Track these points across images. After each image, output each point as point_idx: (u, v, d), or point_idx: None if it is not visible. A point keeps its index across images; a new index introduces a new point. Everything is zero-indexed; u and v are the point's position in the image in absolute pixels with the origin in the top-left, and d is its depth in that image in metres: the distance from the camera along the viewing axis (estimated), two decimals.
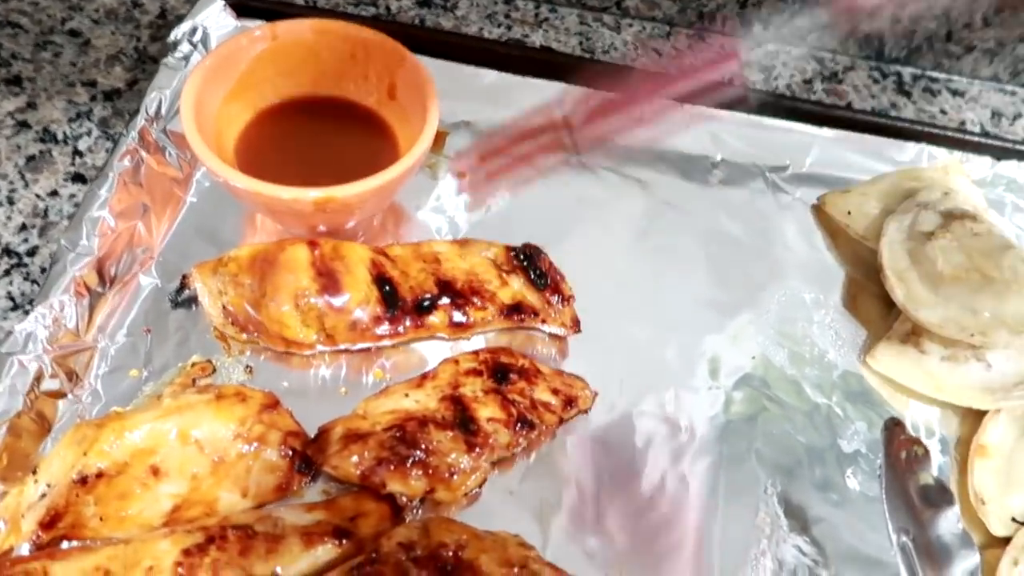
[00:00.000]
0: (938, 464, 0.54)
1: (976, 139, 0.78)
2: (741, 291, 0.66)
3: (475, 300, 0.58)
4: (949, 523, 0.46)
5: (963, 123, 0.83)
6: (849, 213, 0.71)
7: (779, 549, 0.54)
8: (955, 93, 0.85)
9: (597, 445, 0.57)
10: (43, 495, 0.46)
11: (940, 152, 0.75)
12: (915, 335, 0.62)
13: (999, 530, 0.54)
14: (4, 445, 0.49)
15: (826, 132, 0.75)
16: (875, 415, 0.60)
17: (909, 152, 0.76)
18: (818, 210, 0.72)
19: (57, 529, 0.46)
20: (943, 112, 0.84)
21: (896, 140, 0.76)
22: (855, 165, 0.75)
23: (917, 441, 0.50)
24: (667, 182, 0.72)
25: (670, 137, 0.74)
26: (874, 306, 0.67)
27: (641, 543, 0.53)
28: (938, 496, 0.47)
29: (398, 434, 0.51)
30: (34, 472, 0.47)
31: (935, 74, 0.86)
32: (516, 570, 0.48)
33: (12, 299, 0.59)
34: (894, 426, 0.51)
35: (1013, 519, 0.54)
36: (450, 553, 0.47)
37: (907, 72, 0.86)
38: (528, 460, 0.55)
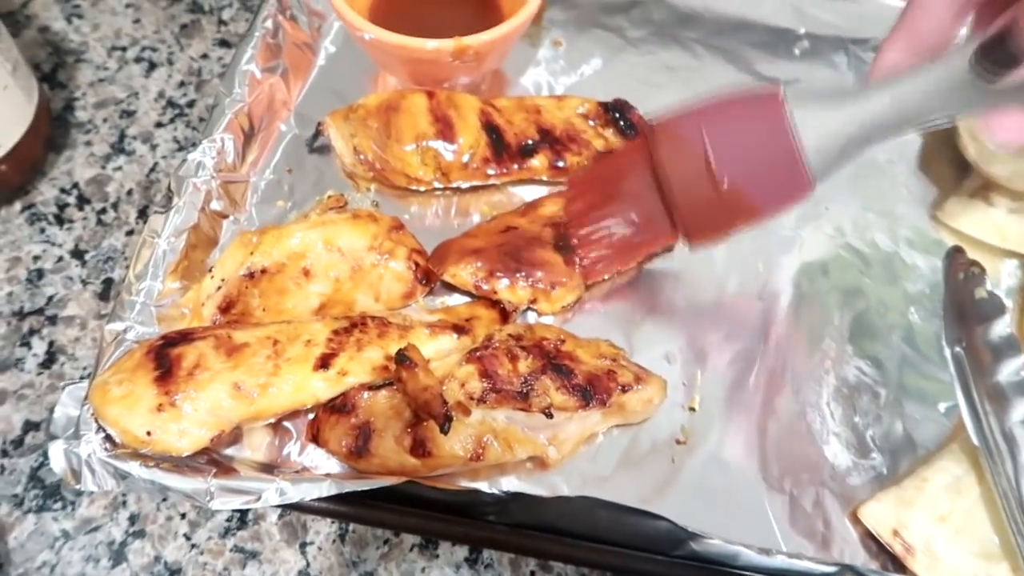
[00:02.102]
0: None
1: None
2: None
3: (572, 146, 0.65)
4: (999, 329, 0.51)
5: None
6: None
7: (842, 369, 0.60)
8: None
9: (680, 277, 0.64)
10: (219, 287, 0.57)
11: None
12: (984, 190, 0.66)
13: None
14: (185, 252, 0.59)
15: None
16: (939, 262, 0.64)
17: None
18: None
19: (231, 315, 0.56)
20: None
21: None
22: None
23: (975, 263, 0.55)
24: (752, 54, 0.77)
25: (756, 10, 0.79)
26: (946, 169, 0.71)
27: (715, 355, 0.60)
28: (990, 308, 0.52)
29: (507, 250, 0.59)
30: (210, 271, 0.58)
31: None
32: (608, 362, 0.56)
33: (177, 142, 0.69)
34: (955, 252, 0.56)
35: None
36: (552, 345, 0.56)
37: None
38: (617, 285, 0.63)
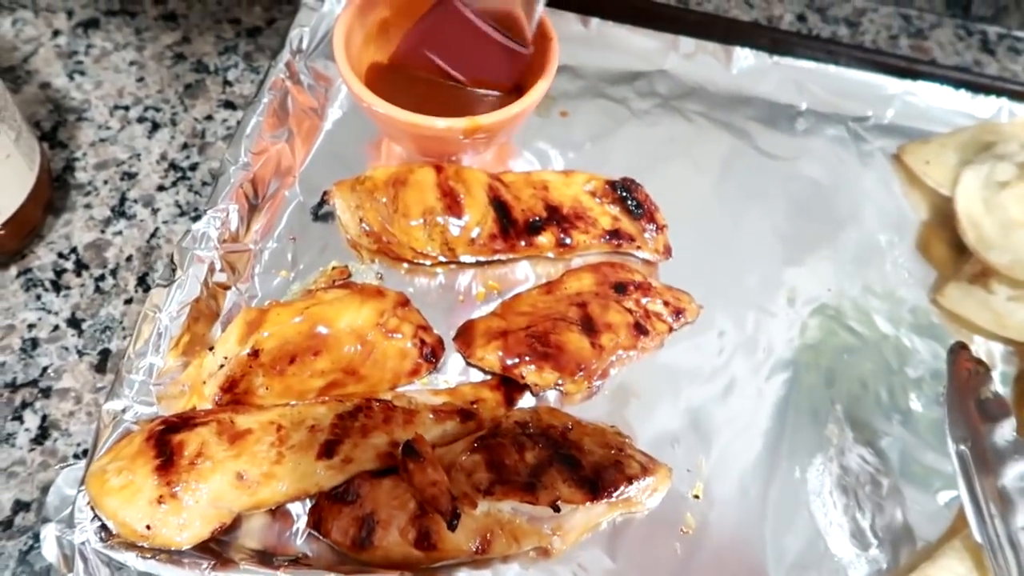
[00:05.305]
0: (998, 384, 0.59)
1: None
2: (820, 229, 0.72)
3: (579, 224, 0.65)
4: (1004, 432, 0.52)
5: None
6: (927, 163, 0.75)
7: (844, 457, 0.60)
8: None
9: (683, 358, 0.63)
10: (221, 365, 0.55)
11: (1020, 109, 0.79)
12: (984, 276, 0.67)
13: None
14: (187, 326, 0.57)
15: (908, 85, 0.79)
16: (940, 347, 0.65)
17: (989, 108, 0.79)
18: (897, 159, 0.77)
19: (233, 394, 0.55)
20: None
21: (977, 96, 0.79)
22: (935, 118, 0.79)
23: (980, 361, 0.55)
24: (753, 127, 0.78)
25: (758, 86, 0.79)
26: (945, 251, 0.72)
27: (719, 440, 0.60)
28: (996, 409, 0.53)
29: (534, 333, 0.58)
30: (211, 348, 0.56)
31: (1021, 33, 0.89)
32: (613, 451, 0.55)
33: (179, 206, 0.68)
34: (960, 348, 0.57)
35: None
36: (558, 432, 0.55)
37: (992, 31, 0.89)
38: (623, 366, 0.62)
